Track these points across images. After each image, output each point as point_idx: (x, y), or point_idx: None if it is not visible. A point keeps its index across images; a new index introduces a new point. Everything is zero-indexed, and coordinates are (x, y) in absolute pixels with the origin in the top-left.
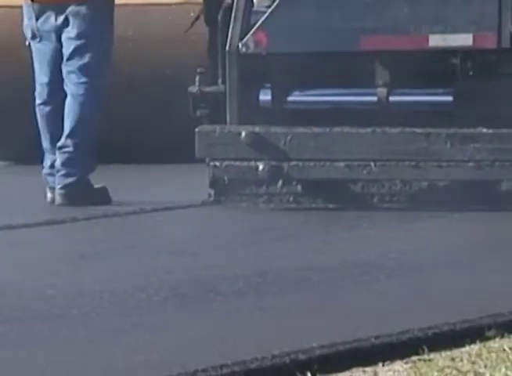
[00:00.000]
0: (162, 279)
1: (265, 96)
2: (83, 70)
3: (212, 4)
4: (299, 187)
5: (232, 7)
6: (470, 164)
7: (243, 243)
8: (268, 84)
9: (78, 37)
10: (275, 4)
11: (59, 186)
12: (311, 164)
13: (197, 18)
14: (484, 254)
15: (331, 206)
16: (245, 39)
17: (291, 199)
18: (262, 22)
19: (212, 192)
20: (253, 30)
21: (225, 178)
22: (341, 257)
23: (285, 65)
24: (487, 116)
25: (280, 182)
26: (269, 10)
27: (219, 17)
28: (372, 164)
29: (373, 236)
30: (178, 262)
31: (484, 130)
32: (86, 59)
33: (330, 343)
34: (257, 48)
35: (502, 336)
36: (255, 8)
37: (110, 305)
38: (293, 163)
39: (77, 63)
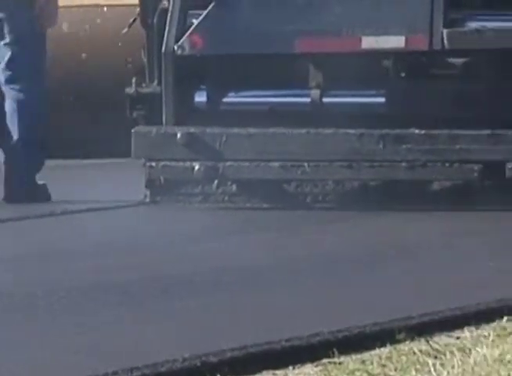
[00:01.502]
0: (76, 281)
1: (201, 98)
2: (20, 75)
3: (148, 6)
4: (234, 187)
5: (167, 9)
6: (403, 164)
7: (165, 244)
8: (204, 86)
9: (14, 42)
10: (211, 6)
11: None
12: (246, 164)
13: (134, 20)
14: (400, 256)
15: (265, 206)
16: (181, 41)
17: (226, 199)
18: (197, 24)
19: (148, 192)
20: (188, 32)
21: (161, 178)
22: (255, 258)
23: (220, 67)
24: (419, 117)
25: (215, 183)
26: (205, 12)
27: (155, 19)
28: (306, 164)
29: (296, 237)
30: (97, 263)
31: (417, 131)
32: (22, 64)
33: (241, 346)
34: (193, 50)
35: (413, 339)
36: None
37: (14, 309)
38: (229, 163)
39: (14, 68)
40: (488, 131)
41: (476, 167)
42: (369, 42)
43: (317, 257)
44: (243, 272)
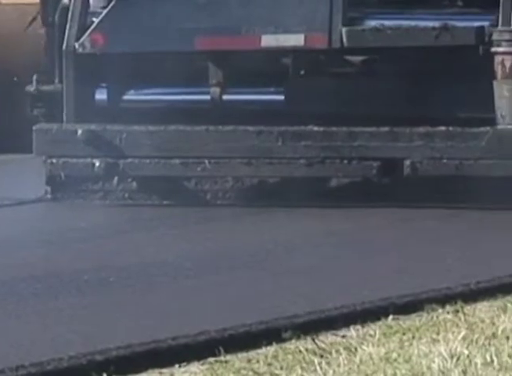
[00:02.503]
0: None
1: (101, 95)
2: None
3: (49, 4)
4: (134, 184)
5: (68, 7)
6: (301, 161)
7: (57, 241)
8: (104, 84)
9: None
10: (112, 5)
11: None
12: (147, 161)
13: (34, 18)
14: (290, 254)
15: (165, 203)
16: (81, 39)
17: (126, 195)
18: (98, 22)
19: (49, 188)
20: (89, 30)
21: (62, 175)
22: (141, 257)
23: (121, 64)
24: (317, 114)
25: (116, 179)
26: (105, 11)
27: (56, 17)
28: (206, 161)
29: (186, 235)
30: None
31: (315, 128)
32: None
33: (127, 344)
34: (94, 48)
35: (299, 337)
36: (91, 8)
37: None
38: (129, 160)
39: None
40: (386, 129)
41: (374, 164)
42: (268, 40)
43: (204, 254)
44: (129, 271)
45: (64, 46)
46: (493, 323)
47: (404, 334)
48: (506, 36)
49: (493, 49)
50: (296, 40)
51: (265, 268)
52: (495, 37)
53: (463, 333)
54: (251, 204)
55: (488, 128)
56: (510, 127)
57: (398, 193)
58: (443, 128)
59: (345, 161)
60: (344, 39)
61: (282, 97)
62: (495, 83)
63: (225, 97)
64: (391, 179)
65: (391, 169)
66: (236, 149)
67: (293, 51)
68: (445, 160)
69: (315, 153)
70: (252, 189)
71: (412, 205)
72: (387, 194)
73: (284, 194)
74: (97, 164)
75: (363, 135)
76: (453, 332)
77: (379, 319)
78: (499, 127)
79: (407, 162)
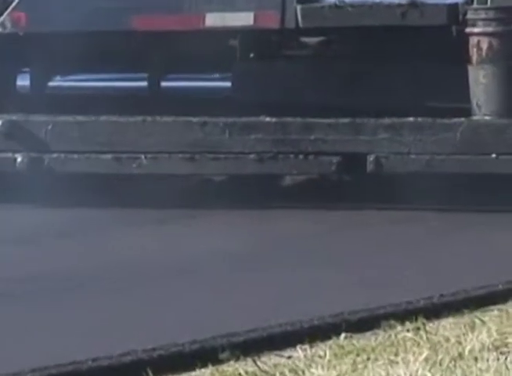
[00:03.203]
0: None
1: (24, 82)
2: None
3: None
4: (61, 181)
5: None
6: (251, 156)
7: None
8: (27, 69)
9: None
10: None
11: None
12: (75, 156)
13: None
14: (227, 263)
15: (95, 203)
16: (1, 19)
17: (51, 194)
18: (20, 0)
19: None
20: (10, 8)
21: None
22: (61, 264)
23: (46, 47)
24: (269, 103)
25: (40, 176)
26: None
27: None
28: (142, 156)
29: (105, 241)
30: None
31: (267, 119)
32: None
33: (43, 366)
34: (15, 28)
35: (238, 358)
36: None
37: None
38: (55, 155)
39: None
40: (347, 120)
41: (334, 159)
42: (213, 20)
43: (125, 265)
44: (46, 282)
45: None
46: (459, 343)
47: (358, 354)
48: (483, 14)
49: (468, 30)
50: (244, 19)
51: (199, 279)
52: (470, 15)
53: (425, 353)
54: (192, 205)
55: (462, 119)
56: (486, 118)
57: (360, 193)
58: (411, 119)
59: (301, 156)
60: (299, 18)
61: (229, 84)
62: (470, 68)
63: (164, 84)
64: (353, 177)
65: (353, 165)
66: (177, 143)
67: (242, 31)
68: (413, 156)
69: (266, 147)
70: (195, 188)
71: (374, 206)
72: (348, 194)
73: (231, 194)
74: (19, 159)
75: (321, 127)
76: (414, 352)
77: (329, 337)
78: (475, 118)
79: (370, 157)
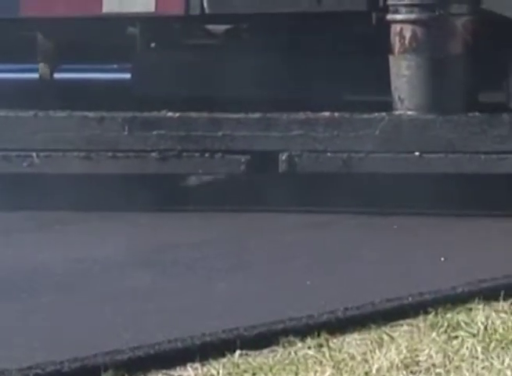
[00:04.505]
0: None
1: None
2: None
3: None
4: None
5: None
6: (153, 154)
7: None
8: None
9: None
10: None
11: None
12: None
13: None
14: (111, 274)
15: None
16: None
17: None
18: None
19: None
20: None
21: None
22: None
23: None
24: (172, 97)
25: None
26: None
27: None
28: (34, 154)
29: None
30: None
31: (169, 114)
32: None
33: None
34: None
35: None
36: None
37: None
38: None
39: None
40: (257, 115)
41: (243, 158)
42: (111, 5)
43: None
44: None
45: None
46: (366, 361)
47: (254, 374)
48: (406, 0)
49: (389, 17)
50: (145, 5)
51: (79, 291)
52: (391, 1)
53: (328, 372)
54: (84, 208)
55: (382, 114)
56: (409, 113)
57: (271, 195)
58: (327, 113)
59: (207, 155)
60: (205, 4)
61: (128, 75)
62: (391, 58)
63: (57, 75)
64: (263, 177)
65: (264, 164)
66: (72, 140)
67: (142, 18)
68: (329, 154)
69: (169, 144)
70: (92, 189)
71: (286, 209)
72: (258, 196)
73: (130, 195)
74: None
75: (229, 123)
76: (316, 372)
77: (223, 355)
78: (397, 113)
79: (283, 156)
